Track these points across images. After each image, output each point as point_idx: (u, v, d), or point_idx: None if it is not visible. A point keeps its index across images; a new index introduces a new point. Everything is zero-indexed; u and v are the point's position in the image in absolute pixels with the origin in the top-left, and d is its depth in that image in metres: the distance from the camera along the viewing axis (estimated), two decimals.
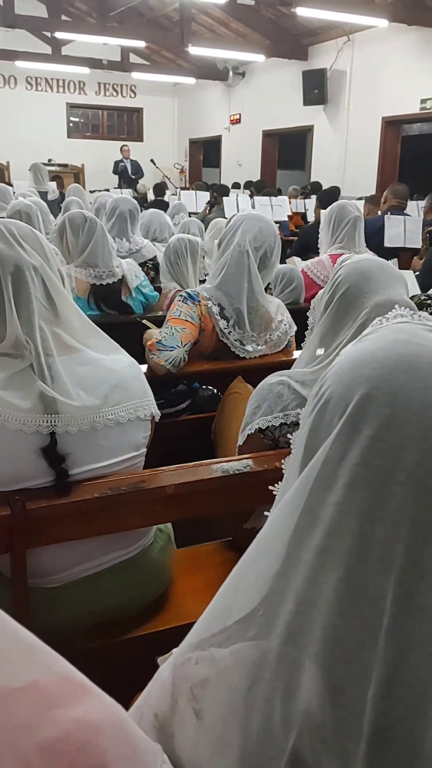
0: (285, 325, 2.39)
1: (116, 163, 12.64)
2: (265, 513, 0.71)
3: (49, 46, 12.05)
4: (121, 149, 12.82)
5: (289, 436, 1.44)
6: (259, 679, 0.49)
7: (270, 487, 0.71)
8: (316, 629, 0.45)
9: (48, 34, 11.63)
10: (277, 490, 0.72)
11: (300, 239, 5.81)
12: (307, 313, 2.37)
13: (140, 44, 11.12)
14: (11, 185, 7.99)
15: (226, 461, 1.36)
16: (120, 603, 1.36)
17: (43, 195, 7.38)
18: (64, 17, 11.88)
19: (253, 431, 1.42)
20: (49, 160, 12.27)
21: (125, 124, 15.15)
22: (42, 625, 1.26)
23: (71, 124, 14.53)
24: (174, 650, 1.08)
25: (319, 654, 0.44)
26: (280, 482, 0.73)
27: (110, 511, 1.23)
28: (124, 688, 1.23)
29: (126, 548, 1.35)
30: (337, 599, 0.44)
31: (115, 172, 12.54)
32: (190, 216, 6.03)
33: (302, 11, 7.75)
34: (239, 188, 10.17)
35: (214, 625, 0.55)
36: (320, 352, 1.51)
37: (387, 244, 4.73)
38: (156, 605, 1.48)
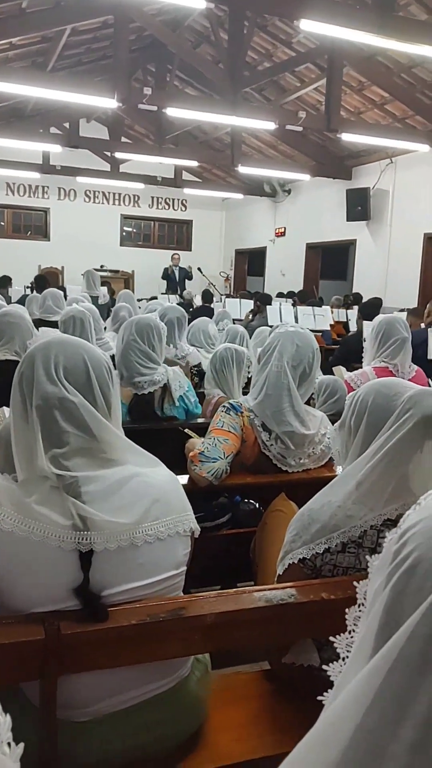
0: (328, 438, 2.35)
1: (165, 270, 13.20)
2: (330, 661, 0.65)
3: (108, 164, 12.94)
4: (171, 257, 13.42)
5: (332, 564, 1.39)
6: None
7: (332, 639, 0.66)
8: None
9: (108, 153, 12.56)
10: (339, 642, 0.67)
11: (342, 348, 5.87)
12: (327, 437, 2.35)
13: (193, 164, 11.89)
14: (64, 289, 8.36)
15: (269, 590, 1.30)
16: (152, 741, 1.26)
17: (94, 299, 7.69)
18: (124, 139, 12.85)
19: (295, 561, 1.37)
20: (102, 266, 12.91)
21: (175, 234, 15.95)
22: (65, 765, 1.18)
23: (124, 234, 15.37)
24: None
25: None
26: (344, 635, 0.67)
27: (148, 639, 1.17)
28: None
29: (162, 679, 1.27)
30: None
31: (164, 277, 13.07)
32: (234, 322, 6.19)
33: (347, 137, 8.21)
34: (283, 297, 10.45)
35: None
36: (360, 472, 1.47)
37: (431, 356, 4.75)
38: (189, 743, 1.37)
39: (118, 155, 11.42)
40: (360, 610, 0.69)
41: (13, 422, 1.26)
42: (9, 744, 0.54)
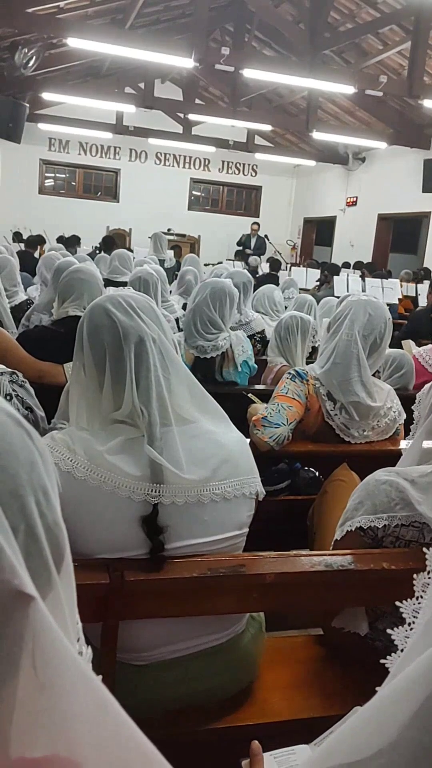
0: (394, 412, 2.31)
1: (243, 236, 13.09)
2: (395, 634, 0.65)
3: (181, 126, 12.87)
4: (251, 225, 13.30)
5: (394, 536, 1.38)
6: None
7: (398, 604, 0.66)
8: None
9: (181, 115, 12.45)
10: (405, 608, 0.67)
11: (410, 323, 5.73)
12: (412, 407, 2.30)
13: (266, 128, 11.66)
14: (131, 251, 8.41)
15: (329, 555, 1.30)
16: (204, 690, 1.30)
17: (161, 262, 7.72)
18: (197, 101, 12.71)
19: (353, 528, 1.36)
20: (168, 230, 12.91)
21: (243, 200, 15.77)
22: (120, 703, 1.22)
23: (192, 198, 15.29)
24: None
25: None
26: (410, 600, 0.67)
27: (207, 592, 1.19)
28: None
29: (218, 633, 1.30)
30: None
31: (239, 243, 12.95)
32: (300, 292, 6.13)
33: (429, 103, 7.88)
34: (349, 268, 10.24)
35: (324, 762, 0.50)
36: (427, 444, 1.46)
37: None
38: (239, 697, 1.40)
39: (192, 117, 11.33)
40: (429, 577, 0.68)
41: (90, 372, 1.27)
42: None
